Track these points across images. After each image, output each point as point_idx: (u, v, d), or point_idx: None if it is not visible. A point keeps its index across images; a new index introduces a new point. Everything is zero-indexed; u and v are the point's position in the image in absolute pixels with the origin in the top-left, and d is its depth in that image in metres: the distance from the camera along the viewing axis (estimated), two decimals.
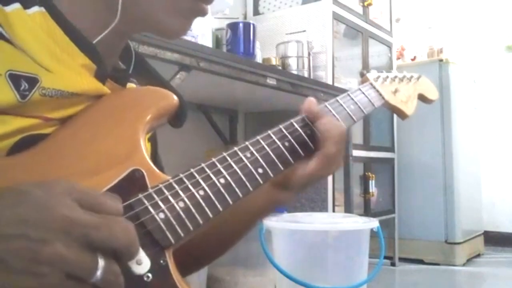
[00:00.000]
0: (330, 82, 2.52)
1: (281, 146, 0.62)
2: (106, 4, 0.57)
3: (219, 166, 0.54)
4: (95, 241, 0.39)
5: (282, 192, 0.66)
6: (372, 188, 2.94)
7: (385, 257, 2.26)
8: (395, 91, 0.76)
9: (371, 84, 0.75)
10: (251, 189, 0.55)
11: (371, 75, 0.77)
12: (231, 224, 0.69)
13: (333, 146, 0.63)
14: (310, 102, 0.68)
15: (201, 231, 0.52)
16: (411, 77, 0.81)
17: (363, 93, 0.75)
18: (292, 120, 0.66)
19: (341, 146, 0.64)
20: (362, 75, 0.81)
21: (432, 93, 0.84)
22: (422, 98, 0.82)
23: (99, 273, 0.39)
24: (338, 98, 0.71)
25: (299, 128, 0.65)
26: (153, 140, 0.73)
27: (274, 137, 0.62)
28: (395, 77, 0.79)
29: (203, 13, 0.59)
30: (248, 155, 0.57)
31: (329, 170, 0.64)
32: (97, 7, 0.57)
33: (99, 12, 0.57)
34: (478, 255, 3.47)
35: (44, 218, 0.38)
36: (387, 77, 0.78)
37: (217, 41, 2.15)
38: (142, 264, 0.45)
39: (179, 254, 0.57)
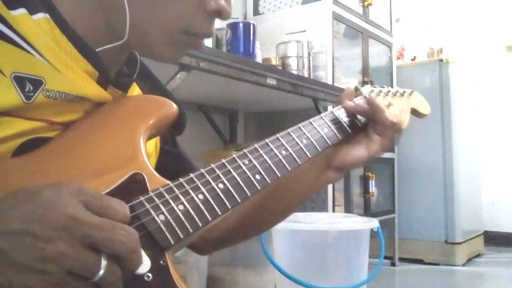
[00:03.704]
0: (330, 82, 2.52)
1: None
2: (111, 23, 0.58)
3: (218, 171, 0.56)
4: (97, 241, 0.40)
5: (334, 172, 0.71)
6: (372, 188, 2.95)
7: (385, 257, 2.26)
8: (388, 105, 0.78)
9: (365, 97, 0.77)
10: (249, 194, 0.57)
11: (365, 89, 0.79)
12: (280, 199, 0.74)
13: (390, 132, 0.71)
14: (350, 92, 0.75)
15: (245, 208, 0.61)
16: (404, 92, 0.84)
17: None
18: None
19: None
20: (356, 89, 0.84)
21: (425, 108, 0.86)
22: (414, 112, 0.84)
23: (101, 272, 0.40)
24: (333, 110, 0.73)
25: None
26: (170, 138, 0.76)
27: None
28: (388, 91, 0.81)
29: (199, 47, 0.62)
30: (246, 161, 0.59)
31: (385, 150, 0.72)
32: (101, 23, 0.58)
33: (102, 28, 0.58)
34: (478, 255, 3.47)
35: (48, 216, 0.40)
36: (380, 91, 0.80)
37: (217, 41, 2.15)
38: (142, 264, 0.46)
39: (234, 221, 0.70)
